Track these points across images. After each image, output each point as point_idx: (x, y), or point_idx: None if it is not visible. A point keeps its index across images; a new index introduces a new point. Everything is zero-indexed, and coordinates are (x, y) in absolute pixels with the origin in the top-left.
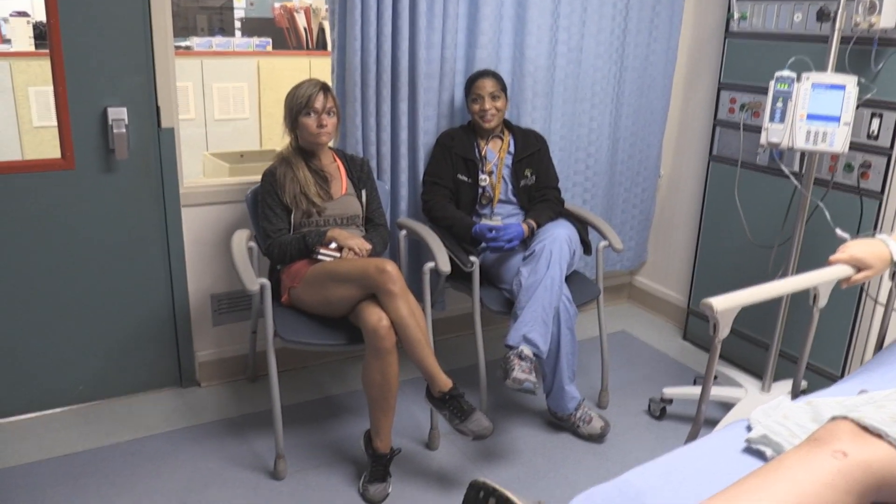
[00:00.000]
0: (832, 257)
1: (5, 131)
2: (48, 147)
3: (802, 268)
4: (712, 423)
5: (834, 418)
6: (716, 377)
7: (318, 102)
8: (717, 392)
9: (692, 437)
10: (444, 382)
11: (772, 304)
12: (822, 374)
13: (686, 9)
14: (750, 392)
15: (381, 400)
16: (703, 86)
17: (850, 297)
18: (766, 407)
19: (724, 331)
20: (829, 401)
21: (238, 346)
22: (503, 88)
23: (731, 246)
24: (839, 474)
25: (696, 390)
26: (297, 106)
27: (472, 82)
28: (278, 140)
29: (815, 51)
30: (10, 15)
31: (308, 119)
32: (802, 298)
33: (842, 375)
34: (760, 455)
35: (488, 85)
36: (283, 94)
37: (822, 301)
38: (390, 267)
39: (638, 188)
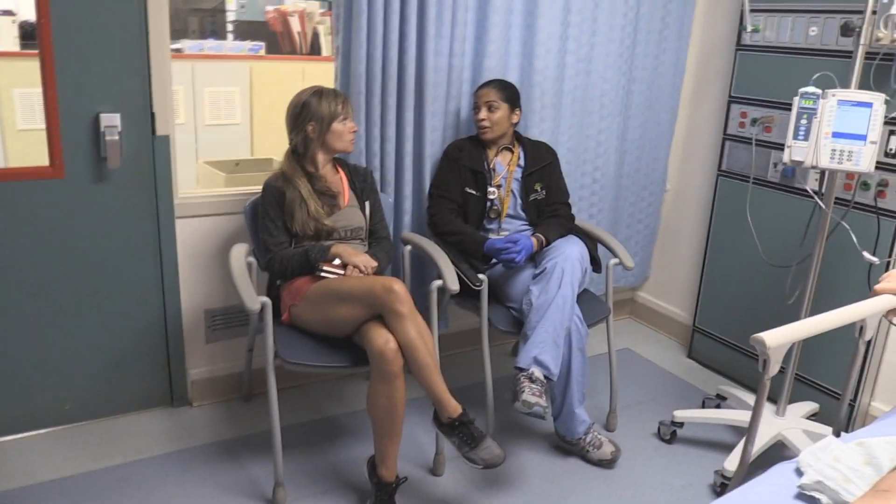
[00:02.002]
0: (877, 287)
1: None
2: (33, 151)
3: (821, 290)
4: (723, 447)
5: None
6: (725, 399)
7: (349, 109)
8: (729, 415)
9: (736, 483)
10: (454, 408)
11: (785, 324)
12: (833, 396)
13: (695, 20)
14: (765, 416)
15: (387, 426)
16: (712, 99)
17: None
18: (813, 448)
19: (774, 367)
20: (879, 441)
21: (232, 364)
22: (508, 99)
23: (740, 264)
24: None
25: (707, 414)
26: (332, 114)
27: (475, 91)
28: (271, 147)
29: (831, 66)
30: None
31: (343, 126)
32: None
33: (855, 397)
34: (814, 502)
35: (485, 94)
36: (276, 100)
37: (869, 333)
38: (398, 286)
39: (644, 202)
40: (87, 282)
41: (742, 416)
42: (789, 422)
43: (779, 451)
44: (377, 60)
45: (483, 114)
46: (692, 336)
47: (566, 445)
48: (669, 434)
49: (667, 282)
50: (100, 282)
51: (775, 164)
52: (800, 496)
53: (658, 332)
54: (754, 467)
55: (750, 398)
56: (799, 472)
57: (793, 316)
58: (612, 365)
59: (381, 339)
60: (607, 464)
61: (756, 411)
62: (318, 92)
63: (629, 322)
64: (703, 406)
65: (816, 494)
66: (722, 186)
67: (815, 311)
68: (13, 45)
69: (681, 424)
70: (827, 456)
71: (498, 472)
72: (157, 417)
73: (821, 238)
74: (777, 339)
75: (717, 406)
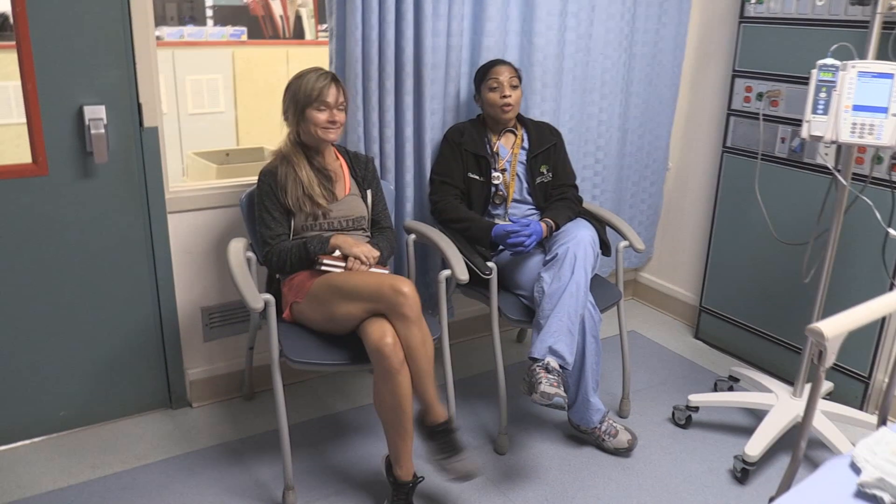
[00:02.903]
0: None
1: None
2: (9, 146)
3: (835, 267)
4: (741, 430)
5: None
6: (737, 380)
7: (331, 96)
8: (747, 398)
9: (787, 482)
10: (442, 414)
11: (798, 302)
12: (849, 375)
13: None
14: (781, 398)
15: (396, 423)
16: (714, 74)
17: (876, 291)
18: (868, 441)
19: (830, 359)
20: None
21: (231, 363)
22: (520, 79)
23: (748, 242)
24: None
25: (723, 397)
26: (306, 98)
27: (487, 70)
28: (257, 135)
29: (841, 37)
30: None
31: (318, 114)
32: (836, 298)
33: (869, 376)
34: (876, 500)
35: (506, 71)
36: (261, 86)
37: None
38: (408, 289)
39: (646, 182)
40: (77, 282)
41: (760, 399)
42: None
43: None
44: (373, 42)
45: (508, 91)
46: (699, 316)
47: (581, 435)
48: (685, 419)
49: (671, 262)
50: (90, 282)
51: (783, 139)
52: (860, 494)
53: (663, 312)
54: (775, 450)
55: (763, 378)
56: (854, 468)
57: (808, 294)
58: (625, 350)
59: (377, 333)
60: (624, 452)
61: (810, 406)
62: (303, 73)
63: (632, 303)
64: (716, 388)
65: (878, 492)
66: (727, 163)
67: (831, 289)
68: None
69: (696, 409)
70: (884, 450)
71: (513, 465)
72: (156, 420)
73: (838, 214)
74: (835, 328)
75: (730, 388)
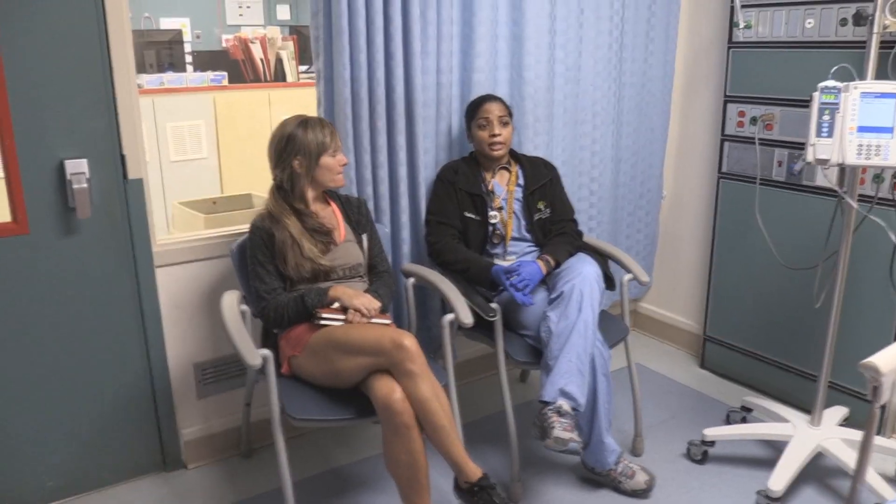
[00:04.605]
0: None
1: None
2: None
3: (847, 289)
4: (760, 463)
5: None
6: (750, 410)
7: (337, 141)
8: (765, 430)
9: None
10: (474, 471)
11: (806, 327)
12: (857, 397)
13: (681, 20)
14: (799, 427)
15: (412, 482)
16: (705, 100)
17: (886, 311)
18: None
19: (886, 394)
20: None
21: (227, 419)
22: (510, 115)
23: (751, 268)
24: None
25: (741, 430)
26: (319, 146)
27: (477, 106)
28: (241, 181)
29: (833, 58)
30: None
31: (332, 160)
32: (848, 321)
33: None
34: None
35: (496, 109)
36: (243, 131)
37: None
38: (409, 342)
39: (641, 211)
40: (63, 344)
41: (777, 430)
42: (826, 431)
43: (818, 463)
44: (363, 82)
45: (498, 129)
46: (703, 345)
47: (597, 477)
48: (701, 454)
49: (670, 291)
50: (76, 342)
51: (780, 163)
52: None
53: (665, 343)
54: (798, 483)
55: (777, 408)
56: None
57: (816, 318)
58: (635, 386)
59: (385, 389)
60: (642, 493)
61: (864, 446)
62: (304, 122)
63: (633, 335)
64: (728, 419)
65: None
66: (724, 189)
67: (844, 312)
68: None
69: (712, 443)
70: None
71: None
72: (150, 485)
73: (847, 236)
74: (891, 361)
75: (743, 419)
